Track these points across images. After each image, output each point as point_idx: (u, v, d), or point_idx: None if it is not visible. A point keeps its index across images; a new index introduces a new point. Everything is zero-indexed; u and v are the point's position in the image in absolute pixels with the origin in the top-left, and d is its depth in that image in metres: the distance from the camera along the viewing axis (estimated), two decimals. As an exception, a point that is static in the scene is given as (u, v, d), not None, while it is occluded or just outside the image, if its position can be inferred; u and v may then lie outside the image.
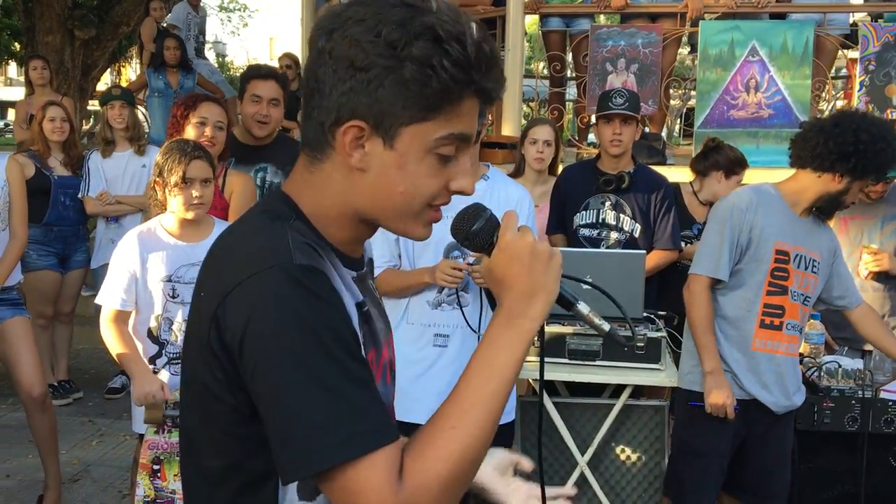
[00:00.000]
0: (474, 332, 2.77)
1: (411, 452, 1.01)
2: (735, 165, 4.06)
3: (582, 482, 3.51)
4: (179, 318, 2.88)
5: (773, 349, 2.90)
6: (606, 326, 1.25)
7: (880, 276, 3.69)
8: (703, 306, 2.93)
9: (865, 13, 6.11)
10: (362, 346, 1.11)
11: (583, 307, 1.22)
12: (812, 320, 3.43)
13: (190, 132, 3.32)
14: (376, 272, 2.89)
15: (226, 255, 1.10)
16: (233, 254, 1.09)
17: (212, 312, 1.04)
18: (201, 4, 9.25)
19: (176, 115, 3.40)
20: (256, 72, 3.80)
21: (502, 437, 2.89)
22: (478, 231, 1.17)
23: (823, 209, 2.90)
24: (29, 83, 6.65)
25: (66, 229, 5.16)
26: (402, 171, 1.08)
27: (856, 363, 3.33)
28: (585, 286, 1.30)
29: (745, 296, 2.90)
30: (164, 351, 2.91)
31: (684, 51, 6.19)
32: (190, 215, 2.85)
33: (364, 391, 1.01)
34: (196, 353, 1.08)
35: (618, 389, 3.48)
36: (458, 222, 1.18)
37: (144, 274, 2.86)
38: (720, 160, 4.03)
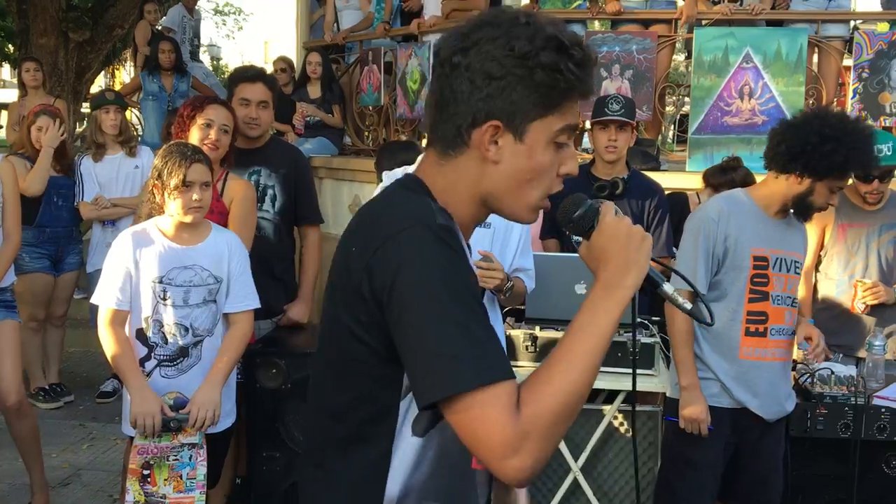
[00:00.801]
0: None
1: (527, 389, 1.18)
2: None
3: (575, 488, 3.50)
4: (170, 320, 2.87)
5: (761, 356, 2.89)
6: (688, 305, 1.41)
7: (875, 308, 3.68)
8: (682, 321, 2.92)
9: (862, 20, 6.13)
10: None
11: (668, 287, 1.39)
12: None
13: (195, 133, 3.30)
14: None
15: (375, 217, 1.31)
16: (382, 216, 1.30)
17: (365, 263, 1.23)
18: (196, 7, 9.23)
19: (182, 114, 3.38)
20: (244, 74, 3.78)
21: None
22: (581, 216, 1.36)
23: (797, 211, 2.87)
24: (22, 85, 6.61)
25: (58, 230, 5.14)
26: (530, 161, 1.29)
27: (849, 370, 3.33)
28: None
29: (727, 305, 2.88)
30: (153, 354, 2.89)
31: (679, 57, 6.20)
32: (188, 219, 2.84)
33: (490, 333, 1.19)
34: (343, 300, 1.27)
35: (611, 395, 3.48)
36: (563, 210, 1.37)
37: (138, 273, 2.85)
38: (737, 179, 4.00)
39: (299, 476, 1.44)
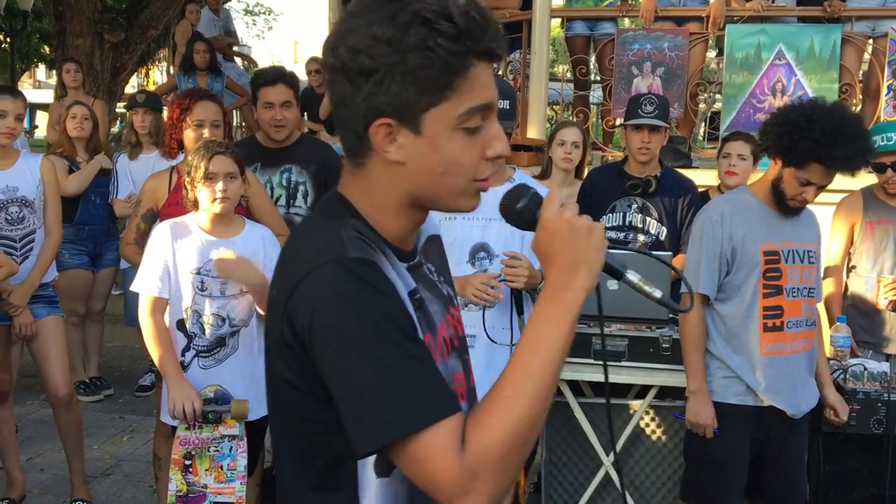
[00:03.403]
0: (491, 340, 2.75)
1: (471, 422, 1.09)
2: None
3: (607, 482, 3.53)
4: (208, 311, 2.95)
5: (780, 350, 2.88)
6: (658, 293, 1.28)
7: None
8: (692, 325, 2.93)
9: None
10: (418, 330, 1.18)
11: (632, 275, 1.26)
12: (838, 323, 3.43)
13: (189, 135, 3.34)
14: None
15: (291, 255, 1.21)
16: (296, 254, 1.19)
17: (283, 308, 1.14)
18: (224, 7, 9.33)
19: (172, 117, 3.40)
20: (264, 78, 3.80)
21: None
22: (522, 209, 1.24)
23: (775, 199, 2.86)
24: (62, 86, 6.76)
25: (96, 228, 5.26)
26: (437, 154, 1.16)
27: (882, 366, 3.32)
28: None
29: (742, 303, 2.88)
30: (192, 344, 2.98)
31: (710, 54, 6.18)
32: (217, 209, 2.92)
33: (422, 368, 1.10)
34: (273, 349, 1.19)
35: (643, 390, 3.50)
36: (504, 201, 1.26)
37: (176, 263, 2.93)
38: None
39: None
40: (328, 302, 1.09)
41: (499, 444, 1.07)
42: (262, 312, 3.03)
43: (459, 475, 1.05)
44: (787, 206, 2.85)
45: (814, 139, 2.65)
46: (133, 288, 3.01)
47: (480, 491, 1.06)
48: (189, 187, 2.94)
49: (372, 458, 1.18)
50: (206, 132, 3.32)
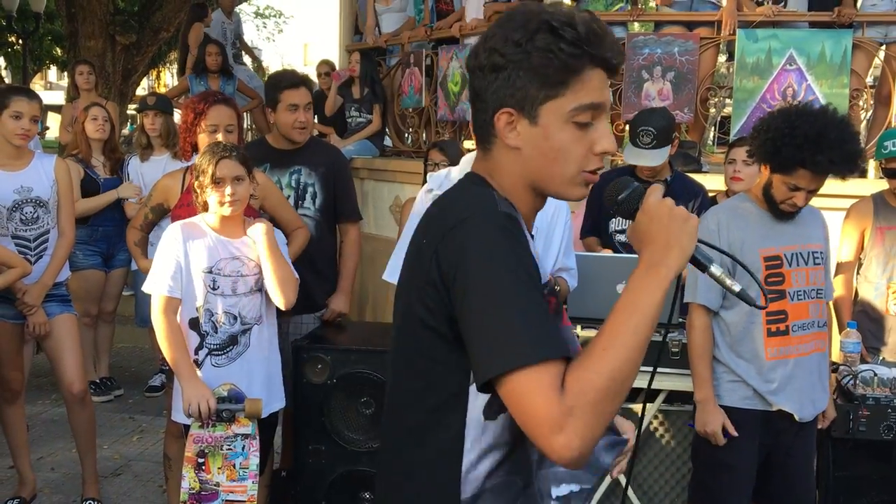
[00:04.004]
0: None
1: (572, 369, 1.21)
2: None
3: (615, 486, 3.53)
4: (220, 309, 2.98)
5: (787, 354, 2.87)
6: (737, 287, 1.42)
7: None
8: (697, 335, 2.94)
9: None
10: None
11: (715, 269, 1.40)
12: (849, 329, 3.43)
13: (203, 139, 3.37)
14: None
15: (444, 208, 1.38)
16: (450, 206, 1.37)
17: (433, 249, 1.30)
18: (235, 10, 9.37)
19: (187, 121, 3.43)
20: (288, 81, 3.81)
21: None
22: (625, 199, 1.41)
23: (767, 203, 2.86)
24: (74, 87, 6.80)
25: (109, 229, 5.29)
26: (548, 142, 1.33)
27: (892, 372, 3.32)
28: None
29: (745, 309, 2.87)
30: (204, 342, 3.00)
31: (721, 59, 6.17)
32: (226, 211, 2.96)
33: (543, 315, 1.24)
34: (414, 287, 1.34)
35: (651, 394, 3.51)
36: (609, 192, 1.42)
37: (188, 263, 2.96)
38: None
39: (376, 465, 1.50)
40: (476, 247, 1.25)
41: (595, 387, 1.18)
42: (281, 305, 3.08)
43: (557, 411, 1.16)
44: (779, 210, 2.85)
45: (796, 145, 2.66)
46: (145, 288, 3.04)
47: (573, 428, 1.16)
48: (199, 190, 2.97)
49: (482, 401, 1.32)
50: (220, 136, 3.34)
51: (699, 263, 1.38)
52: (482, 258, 1.24)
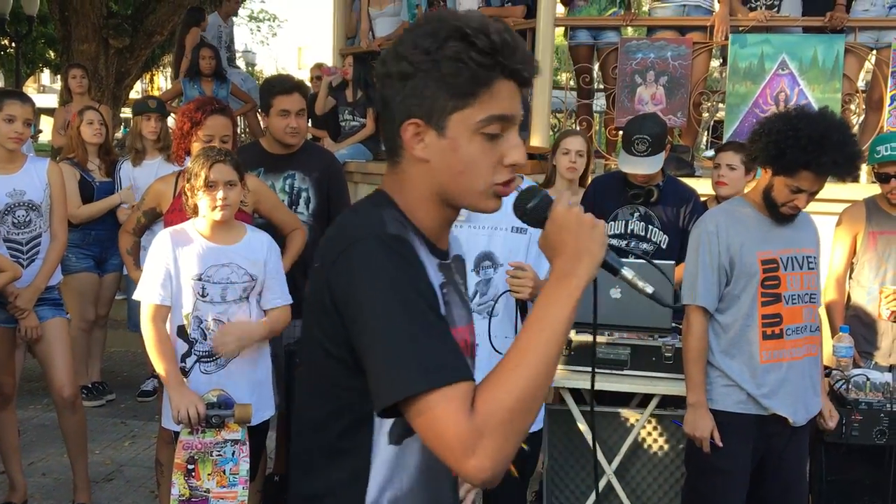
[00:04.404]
0: (496, 350, 2.75)
1: (481, 389, 1.18)
2: None
3: (608, 491, 3.53)
4: (209, 316, 2.96)
5: (780, 357, 2.88)
6: (650, 289, 1.40)
7: None
8: (693, 337, 2.93)
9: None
10: (441, 307, 1.30)
11: (627, 272, 1.37)
12: (841, 333, 3.43)
13: (197, 147, 3.33)
14: None
15: (337, 231, 1.34)
16: (341, 229, 1.33)
17: (325, 276, 1.27)
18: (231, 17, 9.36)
19: (182, 128, 3.41)
20: (280, 87, 3.80)
21: (531, 444, 2.93)
22: (534, 207, 1.37)
23: (767, 207, 2.87)
24: (67, 91, 6.79)
25: (102, 233, 5.27)
26: (456, 154, 1.29)
27: (884, 376, 3.32)
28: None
29: (741, 312, 2.89)
30: (192, 350, 2.99)
31: (714, 63, 6.19)
32: (217, 216, 2.94)
33: (442, 338, 1.21)
34: (313, 312, 1.30)
35: (645, 399, 3.51)
36: (517, 201, 1.38)
37: (177, 270, 2.95)
38: None
39: (290, 485, 1.45)
40: (364, 271, 1.22)
41: (505, 407, 1.15)
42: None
43: (467, 434, 1.13)
44: (779, 213, 2.86)
45: (801, 147, 2.67)
46: (135, 296, 3.03)
47: (485, 450, 1.14)
48: (189, 194, 2.96)
49: (387, 426, 1.30)
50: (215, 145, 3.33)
51: (611, 268, 1.36)
52: (371, 283, 1.21)
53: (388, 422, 1.30)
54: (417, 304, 1.20)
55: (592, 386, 1.60)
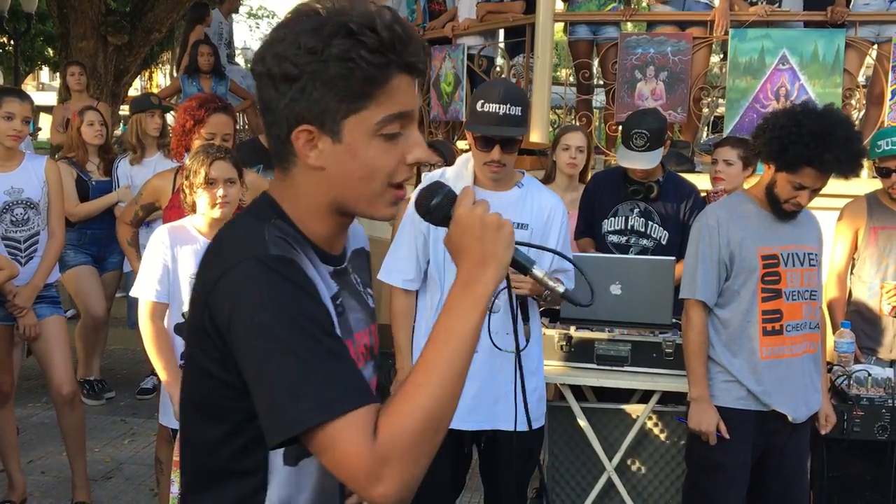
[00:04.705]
0: (494, 346, 2.74)
1: (384, 412, 1.11)
2: None
3: (609, 488, 3.52)
4: None
5: (780, 354, 2.87)
6: (561, 288, 1.35)
7: None
8: (693, 332, 2.93)
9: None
10: (336, 327, 1.23)
11: (537, 271, 1.31)
12: (842, 329, 3.42)
13: (197, 145, 3.31)
14: (399, 286, 2.92)
15: (216, 251, 1.25)
16: (220, 250, 1.23)
17: (205, 299, 1.18)
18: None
19: (185, 126, 3.40)
20: None
21: (533, 441, 2.92)
22: (436, 205, 1.29)
23: (770, 203, 2.86)
24: (66, 88, 6.77)
25: (99, 232, 5.25)
26: (355, 159, 1.21)
27: (886, 372, 3.31)
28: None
29: (741, 307, 2.88)
30: None
31: (714, 58, 6.18)
32: (216, 213, 2.93)
33: (336, 362, 1.12)
34: (194, 337, 1.22)
35: (645, 395, 3.50)
36: (419, 198, 1.30)
37: (175, 267, 2.93)
38: None
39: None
40: (247, 296, 1.13)
41: (408, 430, 1.09)
42: None
43: (370, 462, 1.07)
44: (782, 210, 2.85)
45: (804, 143, 2.66)
46: (133, 293, 3.02)
47: (391, 477, 1.08)
48: (188, 191, 2.95)
49: (281, 448, 1.21)
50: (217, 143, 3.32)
51: (521, 267, 1.30)
52: (254, 311, 1.12)
53: None
54: (306, 329, 1.12)
55: (517, 373, 1.56)
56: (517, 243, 1.27)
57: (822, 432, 3.03)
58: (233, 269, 1.15)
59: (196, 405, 1.27)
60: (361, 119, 1.18)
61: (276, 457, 1.25)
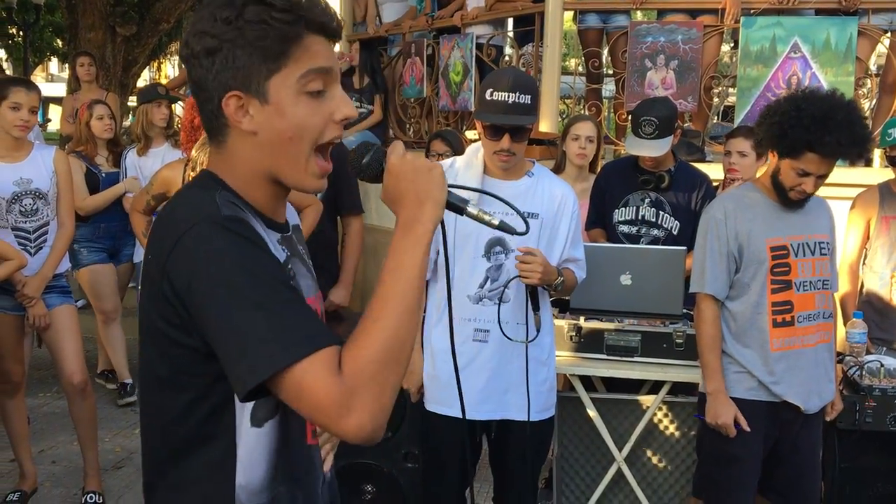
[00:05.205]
0: (506, 336, 2.73)
1: (346, 348, 1.17)
2: None
3: (619, 478, 3.52)
4: None
5: (792, 345, 2.85)
6: (496, 220, 1.44)
7: None
8: (706, 325, 2.91)
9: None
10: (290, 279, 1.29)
11: (471, 209, 1.40)
12: (854, 319, 3.40)
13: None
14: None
15: (166, 220, 1.28)
16: (171, 218, 1.26)
17: (162, 266, 1.21)
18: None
19: (193, 121, 3.38)
20: None
21: (543, 431, 2.91)
22: (368, 163, 1.36)
23: (776, 191, 2.83)
24: (76, 79, 6.77)
25: (112, 225, 5.24)
26: (283, 118, 1.26)
27: (899, 362, 3.29)
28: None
29: (750, 299, 2.86)
30: None
31: (725, 47, 6.12)
32: None
33: (297, 309, 1.18)
34: (153, 307, 1.24)
35: (656, 386, 3.49)
36: (351, 158, 1.37)
37: None
38: None
39: (144, 489, 1.39)
40: (204, 256, 1.17)
41: (372, 360, 1.15)
42: None
43: (339, 395, 1.12)
44: (788, 198, 2.82)
45: (803, 127, 2.63)
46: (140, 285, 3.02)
47: (361, 406, 1.13)
48: None
49: (248, 409, 1.29)
50: None
51: (456, 208, 1.38)
52: (213, 268, 1.16)
53: (250, 404, 1.29)
54: (265, 281, 1.17)
55: (453, 351, 1.63)
56: (449, 186, 1.34)
57: (827, 419, 3.02)
58: (187, 232, 1.19)
59: (159, 379, 1.29)
60: (284, 77, 1.24)
61: (244, 419, 1.29)
